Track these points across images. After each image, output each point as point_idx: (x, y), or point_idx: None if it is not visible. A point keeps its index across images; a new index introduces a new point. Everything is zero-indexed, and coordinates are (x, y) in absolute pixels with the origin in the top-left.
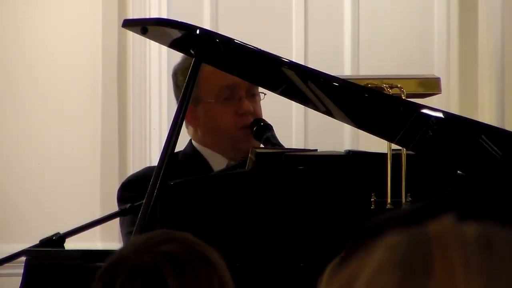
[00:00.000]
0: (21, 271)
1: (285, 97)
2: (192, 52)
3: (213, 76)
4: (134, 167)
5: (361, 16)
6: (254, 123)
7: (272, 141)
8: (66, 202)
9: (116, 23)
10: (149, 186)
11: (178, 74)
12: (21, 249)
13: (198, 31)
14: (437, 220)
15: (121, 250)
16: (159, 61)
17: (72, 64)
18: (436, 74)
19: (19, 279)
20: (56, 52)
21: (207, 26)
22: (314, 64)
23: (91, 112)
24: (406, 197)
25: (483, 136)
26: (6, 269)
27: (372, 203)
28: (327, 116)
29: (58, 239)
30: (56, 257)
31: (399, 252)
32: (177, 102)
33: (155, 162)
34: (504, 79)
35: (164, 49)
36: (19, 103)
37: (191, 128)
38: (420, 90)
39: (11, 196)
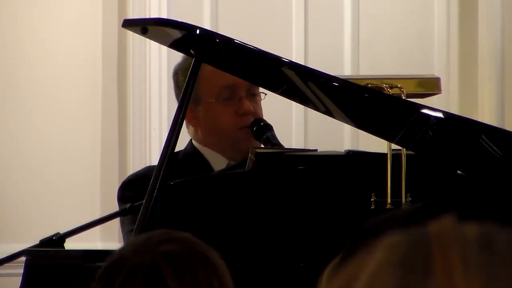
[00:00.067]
0: (21, 271)
1: (285, 97)
2: (192, 52)
3: (213, 76)
4: (134, 167)
5: (361, 16)
6: (254, 123)
7: (272, 141)
8: (66, 202)
9: (116, 23)
10: (149, 186)
11: (178, 74)
12: (21, 249)
13: (198, 31)
14: (437, 220)
15: (121, 250)
16: (159, 61)
17: (72, 64)
18: (436, 74)
19: (19, 279)
20: (56, 52)
21: (207, 26)
22: (314, 64)
23: (91, 112)
24: (406, 197)
25: (483, 136)
26: (6, 269)
27: (372, 203)
28: (327, 116)
29: (58, 239)
30: (56, 257)
31: (399, 252)
32: (177, 102)
33: (155, 162)
34: (504, 79)
35: (164, 49)
36: (19, 103)
37: (191, 128)
38: (420, 90)
39: (11, 196)
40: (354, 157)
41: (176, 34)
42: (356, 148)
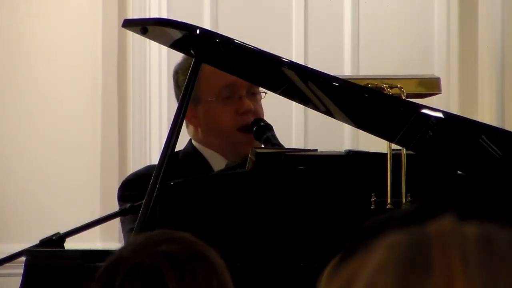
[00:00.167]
0: (21, 271)
1: (285, 97)
2: (192, 52)
3: (213, 76)
4: (134, 167)
5: (361, 16)
6: (254, 123)
7: (272, 141)
8: (66, 202)
9: (116, 23)
10: (149, 186)
11: (179, 74)
12: (21, 249)
13: (198, 31)
14: (437, 220)
15: (120, 250)
16: (159, 61)
17: (72, 64)
18: (436, 74)
19: (19, 279)
20: (56, 52)
21: (207, 26)
22: (314, 64)
23: (91, 112)
24: (406, 197)
25: (483, 136)
26: (6, 269)
27: (372, 203)
28: (327, 116)
29: (58, 239)
30: (56, 257)
31: (399, 252)
32: (177, 102)
33: (155, 162)
34: (504, 79)
35: (164, 49)
36: (19, 103)
37: (191, 128)
38: (420, 90)
39: (11, 196)
40: (354, 157)
41: (176, 34)
42: (356, 148)
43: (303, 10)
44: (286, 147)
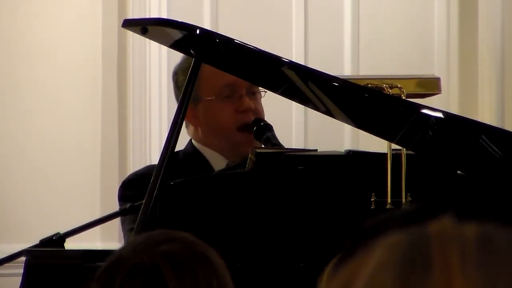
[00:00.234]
0: (21, 271)
1: (285, 97)
2: (192, 52)
3: (213, 75)
4: (134, 167)
5: (361, 16)
6: (254, 123)
7: (272, 141)
8: (66, 202)
9: (116, 23)
10: (149, 186)
11: (178, 74)
12: (21, 249)
13: (198, 31)
14: (437, 220)
15: (120, 250)
16: (159, 61)
17: (72, 64)
18: (436, 74)
19: (19, 279)
20: (56, 52)
21: (207, 26)
22: (314, 64)
23: (91, 112)
24: (406, 197)
25: (483, 136)
26: (6, 269)
27: (372, 203)
28: (327, 116)
29: (58, 239)
30: (56, 257)
31: (398, 252)
32: (177, 103)
33: (155, 162)
34: (504, 79)
35: (164, 49)
36: (19, 103)
37: (191, 128)
38: (420, 90)
39: (11, 196)
40: (354, 157)
41: (176, 34)
42: (356, 148)
43: (303, 10)
44: (286, 147)
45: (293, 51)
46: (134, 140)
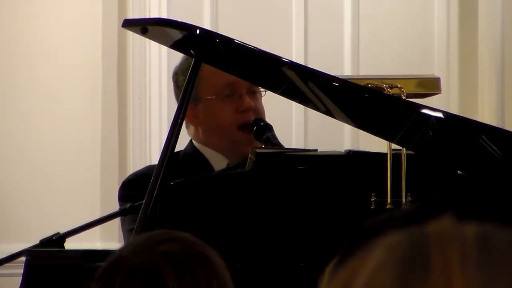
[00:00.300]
0: (21, 271)
1: (285, 97)
2: (192, 52)
3: (213, 75)
4: (134, 167)
5: (361, 16)
6: (254, 123)
7: (272, 141)
8: (66, 202)
9: (116, 23)
10: (149, 186)
11: (178, 75)
12: (21, 249)
13: (198, 31)
14: (437, 220)
15: (120, 250)
16: (159, 61)
17: (72, 64)
18: (436, 74)
19: (19, 279)
20: (56, 52)
21: (207, 26)
22: (314, 64)
23: (91, 112)
24: (406, 197)
25: (483, 136)
26: (6, 269)
27: (372, 203)
28: (327, 116)
29: (58, 239)
30: (56, 257)
31: (398, 251)
32: (177, 103)
33: (155, 162)
34: (504, 79)
35: (164, 49)
36: (19, 103)
37: (191, 127)
38: (420, 90)
39: (11, 196)
40: (354, 157)
41: (176, 34)
42: (356, 148)
43: (303, 10)
44: (286, 147)
45: (293, 51)
46: (134, 140)
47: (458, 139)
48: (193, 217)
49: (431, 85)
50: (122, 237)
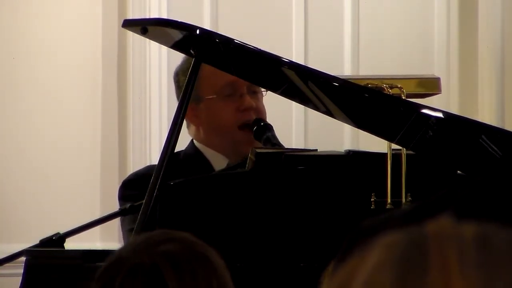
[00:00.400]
0: (21, 271)
1: (285, 97)
2: (192, 52)
3: (214, 75)
4: (134, 167)
5: (361, 16)
6: (254, 123)
7: (272, 141)
8: (66, 202)
9: (116, 23)
10: (149, 186)
11: (179, 75)
12: (21, 249)
13: (198, 31)
14: (435, 220)
15: (120, 250)
16: (159, 61)
17: (72, 64)
18: (436, 74)
19: (19, 279)
20: (56, 52)
21: (207, 26)
22: (314, 64)
23: (91, 112)
24: (406, 197)
25: (483, 136)
26: (6, 269)
27: (372, 203)
28: (327, 116)
29: (58, 239)
30: (56, 257)
31: (397, 251)
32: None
33: (155, 162)
34: (504, 79)
35: (164, 49)
36: (19, 103)
37: (192, 127)
38: (420, 90)
39: (11, 196)
40: (354, 157)
41: (176, 34)
42: (356, 148)
43: (303, 10)
44: (286, 147)
45: (293, 51)
46: (134, 140)
47: (458, 139)
48: (193, 217)
49: (431, 85)
50: (122, 237)
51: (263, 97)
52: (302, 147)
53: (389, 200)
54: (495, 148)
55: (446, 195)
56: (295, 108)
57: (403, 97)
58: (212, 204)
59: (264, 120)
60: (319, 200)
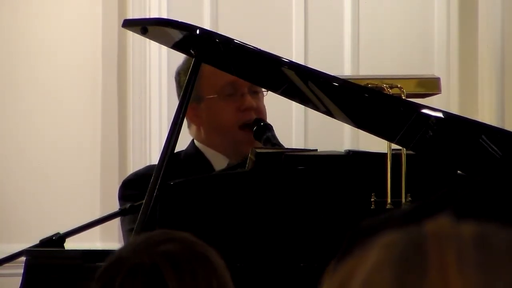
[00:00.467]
0: (21, 271)
1: (285, 97)
2: (192, 52)
3: (215, 74)
4: (134, 167)
5: (361, 16)
6: (254, 123)
7: (272, 141)
8: (66, 202)
9: (116, 23)
10: (149, 186)
11: (181, 75)
12: (21, 249)
13: (198, 31)
14: (434, 220)
15: (120, 250)
16: (159, 61)
17: (72, 64)
18: (436, 74)
19: (19, 279)
20: (56, 52)
21: (207, 26)
22: (314, 64)
23: (91, 112)
24: (406, 197)
25: (483, 136)
26: (6, 269)
27: (372, 203)
28: (327, 116)
29: (58, 239)
30: (56, 257)
31: (395, 251)
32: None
33: (155, 162)
34: (504, 79)
35: (164, 49)
36: (19, 103)
37: (193, 127)
38: (420, 90)
39: (11, 196)
40: (354, 157)
41: (176, 34)
42: (356, 148)
43: (303, 10)
44: (286, 147)
45: (293, 51)
46: (134, 140)
47: (458, 139)
48: (193, 217)
49: (431, 85)
50: (122, 237)
51: (264, 97)
52: (302, 147)
53: (389, 200)
54: (495, 148)
55: (446, 195)
56: (295, 108)
57: (403, 97)
58: (212, 204)
59: (264, 120)
60: (319, 200)
